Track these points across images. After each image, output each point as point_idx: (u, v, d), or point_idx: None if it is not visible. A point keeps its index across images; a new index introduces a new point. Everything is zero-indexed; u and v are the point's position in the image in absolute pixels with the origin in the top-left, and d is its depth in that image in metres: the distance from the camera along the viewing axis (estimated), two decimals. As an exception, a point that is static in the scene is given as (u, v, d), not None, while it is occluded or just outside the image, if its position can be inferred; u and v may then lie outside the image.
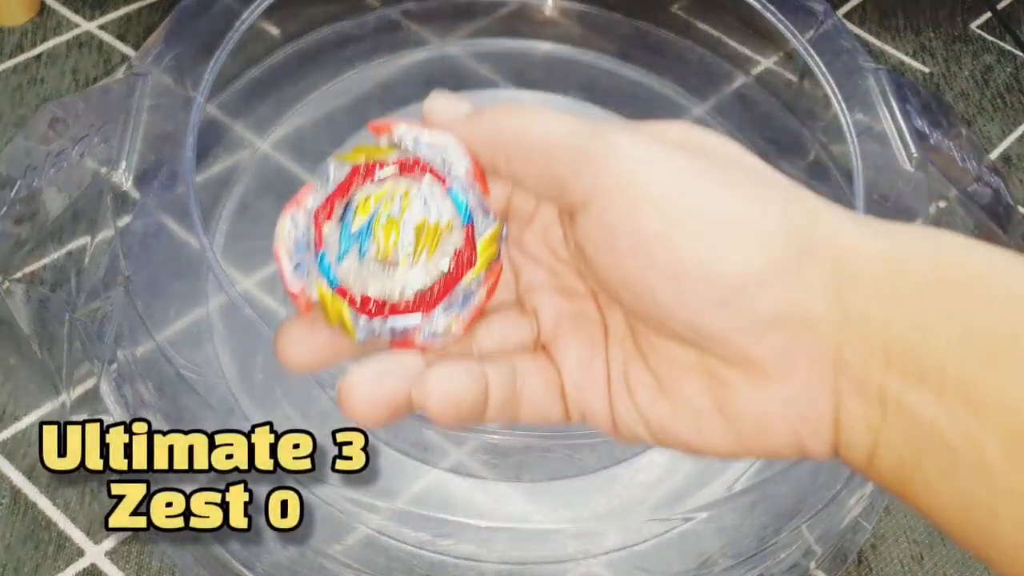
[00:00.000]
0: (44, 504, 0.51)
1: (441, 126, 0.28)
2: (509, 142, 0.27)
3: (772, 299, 0.24)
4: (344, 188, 0.28)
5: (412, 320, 0.28)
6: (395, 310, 0.28)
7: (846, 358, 0.23)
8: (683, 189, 0.24)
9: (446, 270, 0.28)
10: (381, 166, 0.28)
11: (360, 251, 0.28)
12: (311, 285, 0.28)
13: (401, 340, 0.28)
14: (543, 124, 0.26)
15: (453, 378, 0.26)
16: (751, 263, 0.23)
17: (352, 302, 0.28)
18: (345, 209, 0.28)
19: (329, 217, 0.28)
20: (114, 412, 0.48)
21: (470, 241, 0.28)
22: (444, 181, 0.28)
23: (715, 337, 0.24)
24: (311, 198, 0.29)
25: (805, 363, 0.24)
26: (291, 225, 0.28)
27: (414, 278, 0.28)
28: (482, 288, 0.28)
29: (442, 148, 0.28)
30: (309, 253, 0.28)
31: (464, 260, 0.28)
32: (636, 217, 0.24)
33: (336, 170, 0.29)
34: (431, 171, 0.28)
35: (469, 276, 0.28)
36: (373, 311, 0.28)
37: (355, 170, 0.28)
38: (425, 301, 0.28)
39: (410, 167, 0.28)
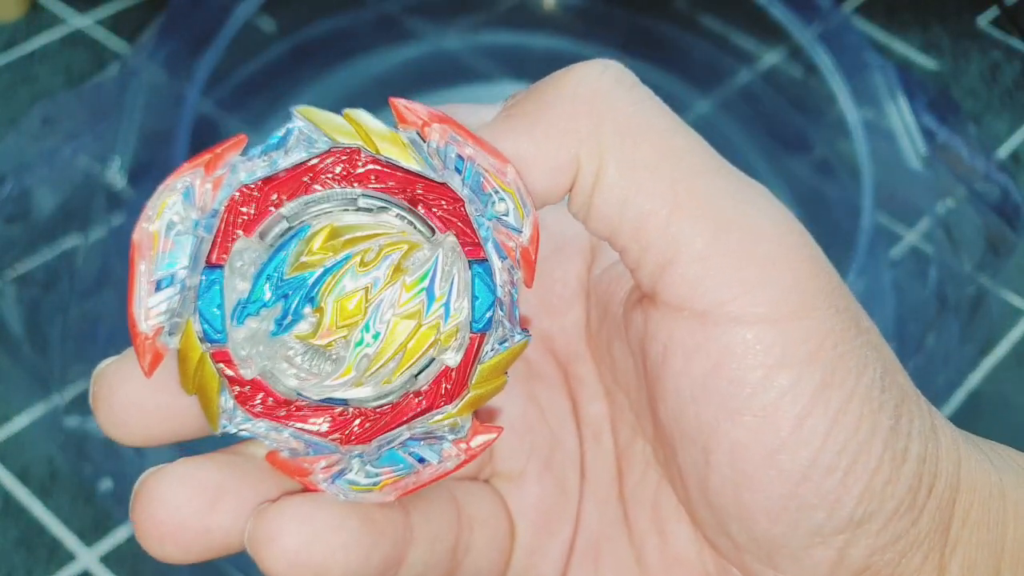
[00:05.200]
0: (37, 508, 0.50)
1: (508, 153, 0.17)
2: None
3: (871, 540, 0.18)
4: (294, 179, 0.16)
5: (321, 446, 0.17)
6: (298, 417, 0.17)
7: None
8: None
9: (410, 390, 0.17)
10: (374, 174, 0.16)
11: (283, 317, 0.17)
12: (174, 327, 0.17)
13: (291, 465, 0.17)
14: None
15: (319, 526, 0.17)
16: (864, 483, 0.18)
17: (234, 381, 0.17)
18: (287, 229, 0.17)
19: (252, 224, 0.16)
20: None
21: (467, 360, 0.17)
22: (478, 247, 0.17)
23: (772, 542, 0.18)
24: (238, 164, 0.16)
25: None
26: (179, 205, 0.16)
27: (353, 390, 0.17)
28: (452, 449, 0.18)
29: (498, 183, 0.17)
30: (194, 266, 0.17)
31: (441, 389, 0.17)
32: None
33: (298, 136, 0.16)
34: (462, 222, 0.17)
35: (440, 417, 0.17)
36: (263, 407, 0.17)
37: (328, 157, 0.16)
38: (348, 426, 0.17)
39: (428, 199, 0.17)
